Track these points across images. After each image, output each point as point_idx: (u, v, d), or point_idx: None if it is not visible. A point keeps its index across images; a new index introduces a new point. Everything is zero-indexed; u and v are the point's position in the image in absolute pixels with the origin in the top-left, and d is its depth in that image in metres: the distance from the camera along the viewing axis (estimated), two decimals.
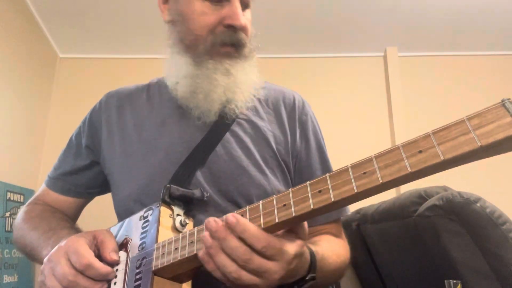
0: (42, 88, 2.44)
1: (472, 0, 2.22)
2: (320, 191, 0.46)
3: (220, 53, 0.75)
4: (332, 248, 0.71)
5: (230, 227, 0.49)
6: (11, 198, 2.01)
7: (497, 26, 2.43)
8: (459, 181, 1.71)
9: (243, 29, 0.75)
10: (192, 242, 0.55)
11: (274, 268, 0.50)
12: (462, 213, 1.07)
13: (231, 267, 0.49)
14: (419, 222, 1.20)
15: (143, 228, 0.64)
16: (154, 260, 0.58)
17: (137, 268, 0.59)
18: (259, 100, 0.84)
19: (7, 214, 1.96)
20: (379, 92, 2.60)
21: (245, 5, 0.77)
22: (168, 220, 0.63)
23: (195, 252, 0.53)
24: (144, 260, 0.59)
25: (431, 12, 2.31)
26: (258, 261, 0.49)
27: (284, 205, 0.48)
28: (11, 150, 2.12)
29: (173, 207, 0.66)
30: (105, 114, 0.86)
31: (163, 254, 0.57)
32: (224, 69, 0.75)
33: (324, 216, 0.75)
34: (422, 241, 1.20)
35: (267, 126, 0.80)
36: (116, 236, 0.67)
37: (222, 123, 0.77)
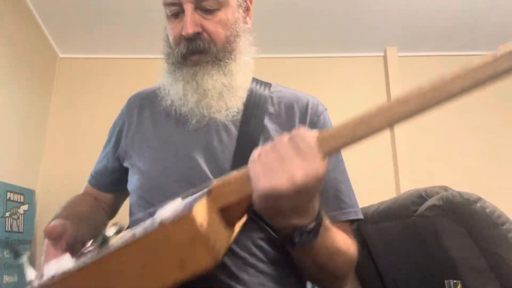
0: (42, 88, 2.44)
1: (472, 0, 2.22)
2: None
3: (186, 63, 0.79)
4: (340, 234, 0.70)
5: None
6: (11, 198, 2.01)
7: (497, 26, 2.43)
8: (459, 181, 1.71)
9: (193, 36, 0.76)
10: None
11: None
12: (462, 213, 1.07)
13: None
14: (419, 222, 1.20)
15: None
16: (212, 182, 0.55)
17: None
18: (272, 103, 0.84)
19: (7, 214, 1.96)
20: (379, 92, 2.60)
21: (205, 10, 0.76)
22: None
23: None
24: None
25: (431, 12, 2.31)
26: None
27: None
28: (11, 150, 2.12)
29: None
30: (128, 115, 0.91)
31: (220, 178, 0.55)
32: (189, 77, 0.78)
33: (331, 215, 0.74)
34: (422, 241, 1.20)
35: (278, 129, 0.80)
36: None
37: (249, 127, 0.78)
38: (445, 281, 0.83)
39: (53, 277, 0.53)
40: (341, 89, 2.59)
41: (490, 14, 2.32)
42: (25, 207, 2.10)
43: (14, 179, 2.09)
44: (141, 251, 0.48)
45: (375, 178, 2.33)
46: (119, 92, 2.53)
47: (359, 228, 1.71)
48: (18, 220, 2.04)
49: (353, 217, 0.78)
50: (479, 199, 1.07)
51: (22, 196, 2.10)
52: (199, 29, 0.76)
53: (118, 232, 0.60)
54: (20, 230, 2.03)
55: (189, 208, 0.46)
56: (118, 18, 2.35)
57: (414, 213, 1.22)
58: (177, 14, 0.77)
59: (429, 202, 1.17)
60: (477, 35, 2.52)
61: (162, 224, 0.47)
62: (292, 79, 2.57)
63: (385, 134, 2.50)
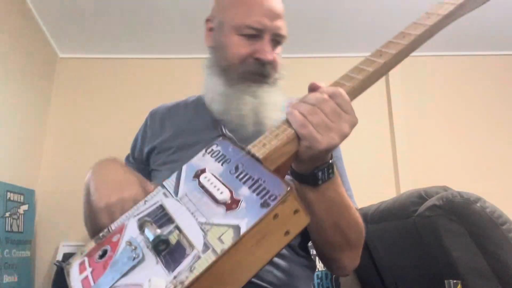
0: (42, 88, 2.44)
1: None
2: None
3: (249, 79, 0.89)
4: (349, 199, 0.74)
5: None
6: (11, 198, 2.01)
7: (497, 26, 2.43)
8: (459, 181, 1.71)
9: (270, 63, 0.89)
10: (284, 124, 0.61)
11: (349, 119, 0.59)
12: (462, 213, 1.07)
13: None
14: (419, 222, 1.20)
15: (214, 157, 0.62)
16: (255, 151, 0.58)
17: (236, 170, 0.56)
18: None
19: (7, 214, 1.96)
20: (379, 92, 2.60)
21: (276, 43, 0.91)
22: None
23: (292, 131, 0.59)
24: (242, 159, 0.57)
25: None
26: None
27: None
28: (11, 150, 2.12)
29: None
30: (150, 128, 1.01)
31: (263, 144, 0.59)
32: (252, 91, 0.88)
33: None
34: (422, 241, 1.20)
35: None
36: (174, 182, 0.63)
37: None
38: (445, 281, 0.83)
39: None
40: None
41: (490, 14, 2.32)
42: (25, 207, 2.10)
43: (14, 179, 2.09)
44: (253, 238, 0.48)
45: (375, 178, 2.33)
46: (119, 92, 2.54)
47: None
48: (18, 220, 2.04)
49: (355, 205, 0.83)
50: (479, 199, 1.07)
51: (22, 196, 2.10)
52: (274, 58, 0.90)
53: (144, 226, 0.56)
54: (20, 230, 2.03)
55: (285, 185, 0.49)
56: (118, 18, 2.35)
57: (414, 213, 1.22)
58: (251, 36, 0.88)
59: (429, 202, 1.17)
60: (477, 35, 2.51)
61: (269, 206, 0.48)
62: (292, 79, 2.56)
63: (385, 133, 2.50)
